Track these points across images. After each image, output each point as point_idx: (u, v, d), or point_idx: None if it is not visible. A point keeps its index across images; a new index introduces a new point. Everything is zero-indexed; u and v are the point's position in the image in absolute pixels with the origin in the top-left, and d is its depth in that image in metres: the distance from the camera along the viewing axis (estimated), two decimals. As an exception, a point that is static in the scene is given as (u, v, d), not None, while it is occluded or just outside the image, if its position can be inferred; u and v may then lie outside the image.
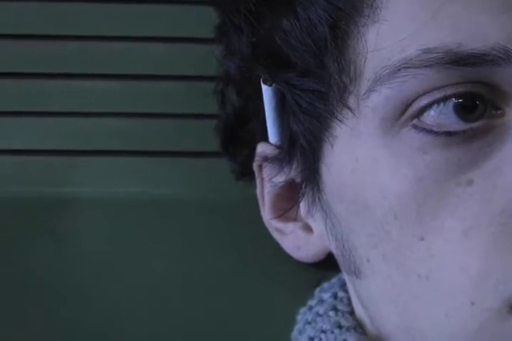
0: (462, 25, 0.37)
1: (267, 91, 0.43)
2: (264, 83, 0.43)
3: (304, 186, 0.43)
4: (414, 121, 0.38)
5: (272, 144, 0.44)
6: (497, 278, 0.37)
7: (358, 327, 0.44)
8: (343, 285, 0.46)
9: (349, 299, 0.46)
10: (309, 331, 0.45)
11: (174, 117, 0.64)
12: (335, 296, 0.46)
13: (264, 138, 0.45)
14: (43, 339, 0.65)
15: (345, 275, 0.45)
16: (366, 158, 0.40)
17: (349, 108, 0.40)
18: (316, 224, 0.44)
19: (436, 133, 0.38)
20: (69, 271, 0.65)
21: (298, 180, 0.43)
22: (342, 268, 0.44)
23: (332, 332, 0.44)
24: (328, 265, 0.45)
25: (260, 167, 0.45)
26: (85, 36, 0.63)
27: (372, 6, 0.39)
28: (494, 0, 0.37)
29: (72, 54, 0.63)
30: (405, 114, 0.38)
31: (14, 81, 0.64)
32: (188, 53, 0.63)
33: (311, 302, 0.47)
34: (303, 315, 0.47)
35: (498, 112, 0.38)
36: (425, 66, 0.37)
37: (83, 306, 0.65)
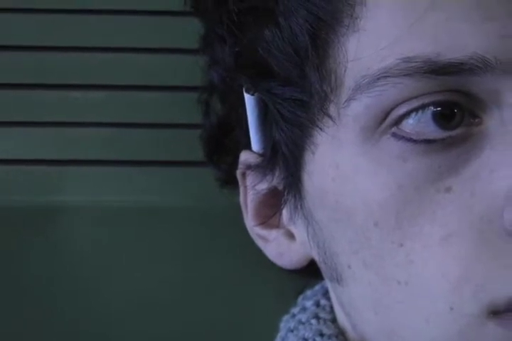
0: (442, 35, 0.38)
1: (249, 100, 0.43)
2: (246, 92, 0.43)
3: (286, 193, 0.43)
4: (394, 129, 0.39)
5: (254, 152, 0.45)
6: (476, 283, 0.37)
7: (340, 334, 0.44)
8: (325, 293, 0.47)
9: (331, 307, 0.46)
10: (292, 339, 0.45)
11: (162, 127, 0.64)
12: (317, 304, 0.46)
13: (248, 146, 0.45)
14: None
15: (327, 282, 0.45)
16: (347, 165, 0.40)
17: (330, 116, 0.40)
18: (298, 231, 0.44)
19: (416, 141, 0.38)
20: (63, 277, 0.65)
21: (280, 187, 0.44)
22: (324, 275, 0.44)
23: (314, 340, 0.44)
24: (311, 272, 0.45)
25: (243, 175, 0.45)
26: (73, 47, 0.63)
27: (352, 15, 0.39)
28: (474, 10, 0.38)
29: (61, 64, 0.64)
30: (385, 122, 0.39)
31: (3, 91, 0.64)
32: (175, 64, 0.64)
33: (294, 310, 0.47)
34: (286, 323, 0.47)
35: (476, 120, 0.39)
36: (404, 75, 0.38)
37: (78, 311, 0.65)
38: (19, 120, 0.64)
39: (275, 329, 0.48)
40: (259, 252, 0.46)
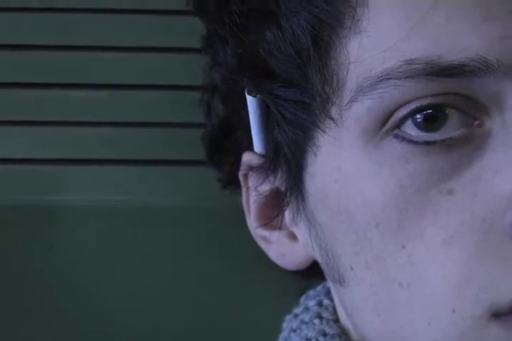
0: (443, 37, 0.38)
1: (251, 101, 0.43)
2: (248, 94, 0.43)
3: (288, 195, 0.43)
4: (396, 131, 0.39)
5: (257, 153, 0.45)
6: (478, 285, 0.38)
7: (343, 334, 0.44)
8: (328, 293, 0.47)
9: (334, 307, 0.46)
10: (294, 339, 0.46)
11: (163, 126, 0.64)
12: (320, 304, 0.46)
13: (250, 147, 0.45)
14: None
15: (329, 283, 0.45)
16: (349, 167, 0.40)
17: (332, 118, 0.40)
18: (301, 232, 0.44)
19: (417, 143, 0.38)
20: (61, 277, 0.65)
21: (283, 188, 0.44)
22: (326, 276, 0.44)
23: (317, 339, 0.44)
24: (313, 273, 0.45)
25: (246, 176, 0.45)
26: (75, 46, 0.64)
27: (353, 17, 0.39)
28: (475, 10, 0.38)
29: (61, 64, 0.64)
30: (387, 124, 0.39)
31: (5, 91, 0.64)
32: (176, 63, 0.64)
33: (297, 310, 0.47)
34: (288, 323, 0.47)
35: (477, 122, 0.39)
36: (406, 77, 0.38)
37: (76, 311, 0.65)
38: (20, 119, 0.64)
39: (278, 329, 0.48)
40: (260, 253, 0.46)
